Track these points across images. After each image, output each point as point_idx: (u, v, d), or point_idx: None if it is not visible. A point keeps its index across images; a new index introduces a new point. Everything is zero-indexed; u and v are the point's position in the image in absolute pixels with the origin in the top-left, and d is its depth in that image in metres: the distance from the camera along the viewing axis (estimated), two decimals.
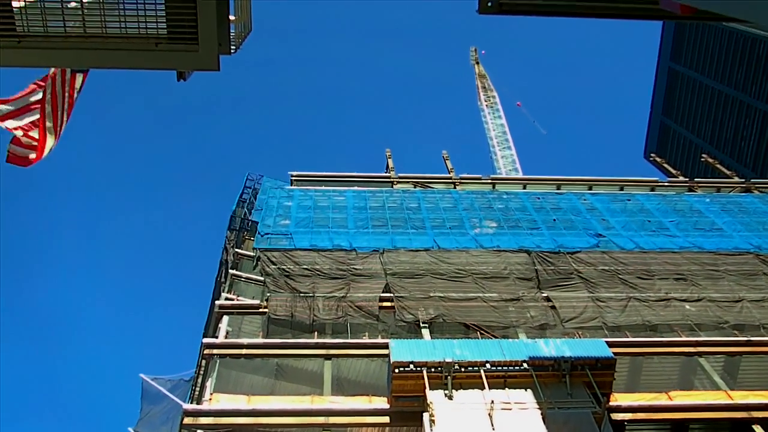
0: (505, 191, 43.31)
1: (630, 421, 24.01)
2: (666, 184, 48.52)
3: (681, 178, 51.57)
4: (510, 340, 26.44)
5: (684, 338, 28.51)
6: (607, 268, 32.83)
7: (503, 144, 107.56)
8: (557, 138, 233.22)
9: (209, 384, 25.38)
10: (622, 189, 45.96)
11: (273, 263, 31.33)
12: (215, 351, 26.53)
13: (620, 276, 32.30)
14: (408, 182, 44.75)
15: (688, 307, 30.55)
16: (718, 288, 31.82)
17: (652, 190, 46.26)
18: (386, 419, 23.60)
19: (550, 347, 24.54)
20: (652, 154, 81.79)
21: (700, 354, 27.95)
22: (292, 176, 44.10)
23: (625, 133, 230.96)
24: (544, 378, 23.56)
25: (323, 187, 41.96)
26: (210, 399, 24.27)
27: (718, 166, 57.07)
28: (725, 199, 43.68)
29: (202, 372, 27.29)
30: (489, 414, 22.14)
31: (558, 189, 45.13)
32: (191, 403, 26.76)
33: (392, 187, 43.76)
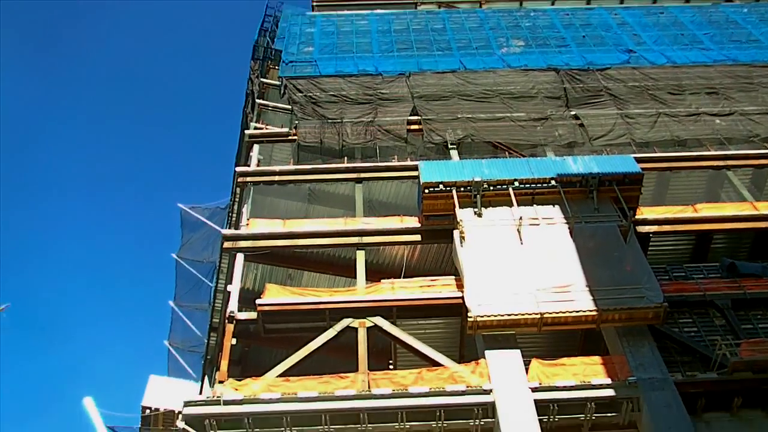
0: (532, 8, 41.74)
1: (655, 233, 24.55)
2: None
3: None
4: (538, 158, 26.66)
5: (712, 152, 28.45)
6: (637, 84, 32.27)
7: None
8: None
9: (245, 210, 26.23)
10: (655, 1, 44.04)
11: (299, 91, 31.25)
12: (248, 179, 27.22)
13: (650, 92, 31.80)
14: (431, 3, 43.28)
15: (718, 121, 30.24)
16: (750, 101, 31.27)
17: (687, 1, 44.22)
18: (417, 237, 24.42)
19: (578, 164, 24.77)
20: None
21: (728, 167, 28.01)
22: (313, 1, 42.82)
23: None
24: (572, 194, 23.97)
25: (345, 12, 40.80)
26: (247, 224, 25.14)
27: None
28: (764, 8, 41.73)
29: (237, 199, 28.20)
30: (517, 229, 22.81)
31: (588, 4, 43.43)
32: (229, 228, 27.86)
33: (415, 8, 42.39)
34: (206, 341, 29.00)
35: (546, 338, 22.88)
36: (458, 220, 23.07)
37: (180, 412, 19.35)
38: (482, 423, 18.94)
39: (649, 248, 24.29)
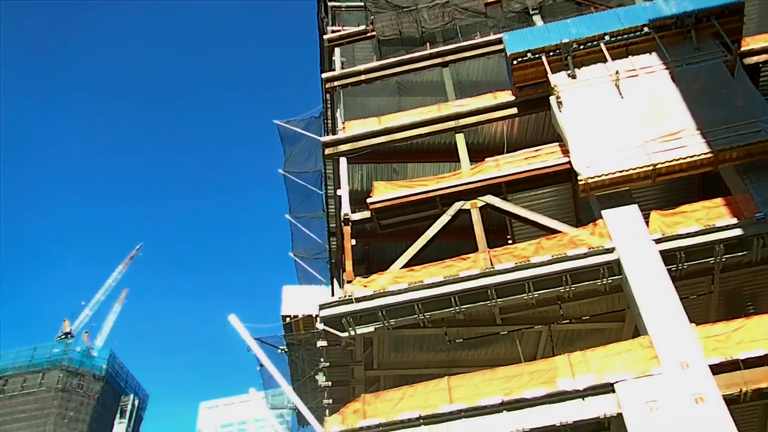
0: None
1: (765, 63, 23.20)
2: None
3: None
4: (626, 7, 25.45)
5: None
6: None
7: None
8: None
9: (339, 114, 26.57)
10: None
11: None
12: (336, 83, 27.37)
13: None
14: None
15: None
16: None
17: None
18: (514, 111, 24.14)
19: (670, 5, 23.54)
20: None
21: None
22: None
23: None
24: (668, 38, 22.93)
25: None
26: (343, 128, 25.48)
27: None
28: None
29: (329, 105, 28.50)
30: (615, 84, 22.19)
31: None
32: (327, 135, 28.27)
33: None
34: (327, 247, 30.04)
35: (662, 190, 22.53)
36: (552, 85, 22.62)
37: (317, 316, 20.46)
38: (610, 281, 19.15)
39: (760, 79, 23.07)
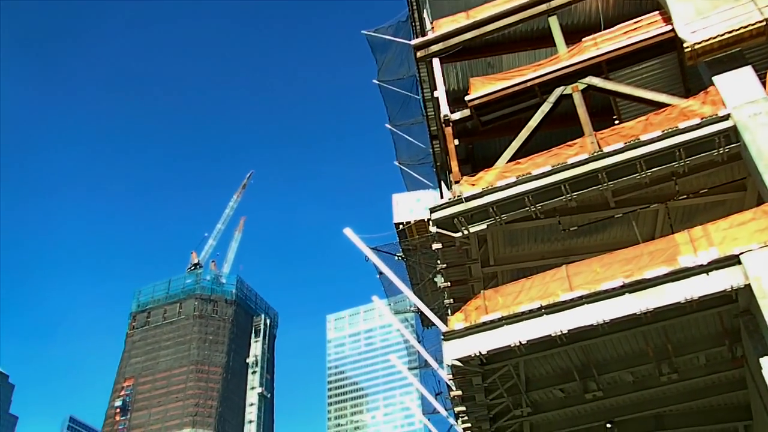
0: None
1: None
2: None
3: None
4: None
5: None
6: None
7: None
8: None
9: (426, 15, 26.07)
10: None
11: None
12: None
13: None
14: None
15: None
16: None
17: None
18: None
19: None
20: None
21: None
22: None
23: None
24: None
25: None
26: (432, 28, 25.01)
27: None
28: None
29: (415, 8, 27.93)
30: None
31: None
32: (416, 38, 27.83)
33: None
34: (431, 150, 29.99)
35: None
36: None
37: (429, 219, 20.69)
38: (727, 150, 18.21)
39: None
